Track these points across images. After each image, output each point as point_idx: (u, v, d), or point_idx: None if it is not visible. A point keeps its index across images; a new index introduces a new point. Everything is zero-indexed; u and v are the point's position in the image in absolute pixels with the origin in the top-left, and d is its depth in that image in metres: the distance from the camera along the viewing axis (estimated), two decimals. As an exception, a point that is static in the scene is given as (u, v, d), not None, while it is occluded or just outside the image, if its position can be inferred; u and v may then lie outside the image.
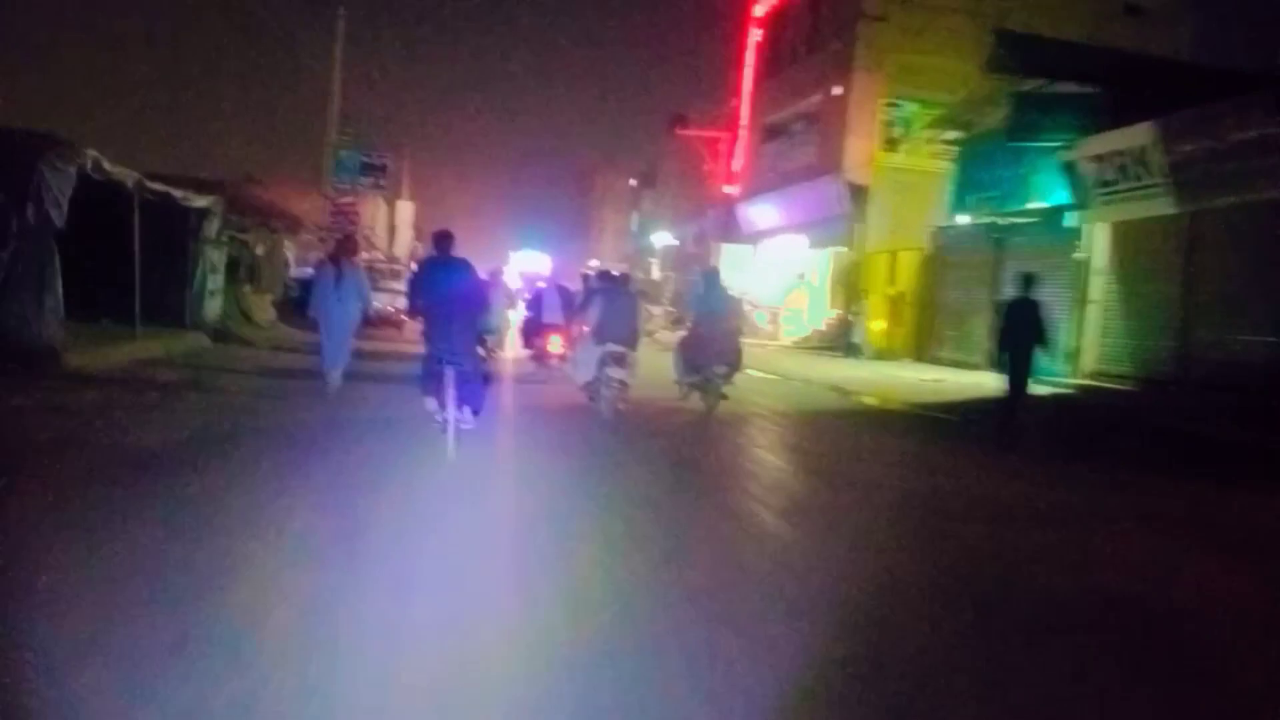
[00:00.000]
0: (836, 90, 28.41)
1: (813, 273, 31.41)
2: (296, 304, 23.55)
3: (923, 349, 23.48)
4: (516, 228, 59.53)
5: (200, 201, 14.85)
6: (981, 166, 22.59)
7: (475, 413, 8.56)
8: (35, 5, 51.74)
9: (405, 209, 53.94)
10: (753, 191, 35.30)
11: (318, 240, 26.08)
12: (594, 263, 38.81)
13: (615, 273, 14.50)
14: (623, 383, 11.11)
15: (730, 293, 13.74)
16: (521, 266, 40.59)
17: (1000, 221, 20.79)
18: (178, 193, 13.97)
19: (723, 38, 46.59)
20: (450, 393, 8.25)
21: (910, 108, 27.84)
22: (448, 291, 8.47)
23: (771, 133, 34.38)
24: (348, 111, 30.14)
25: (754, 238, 35.61)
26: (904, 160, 27.29)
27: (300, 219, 27.49)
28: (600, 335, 11.25)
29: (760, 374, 18.80)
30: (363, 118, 31.81)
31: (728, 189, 38.50)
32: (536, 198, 78.00)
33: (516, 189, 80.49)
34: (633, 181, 65.13)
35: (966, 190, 23.11)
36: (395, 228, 52.35)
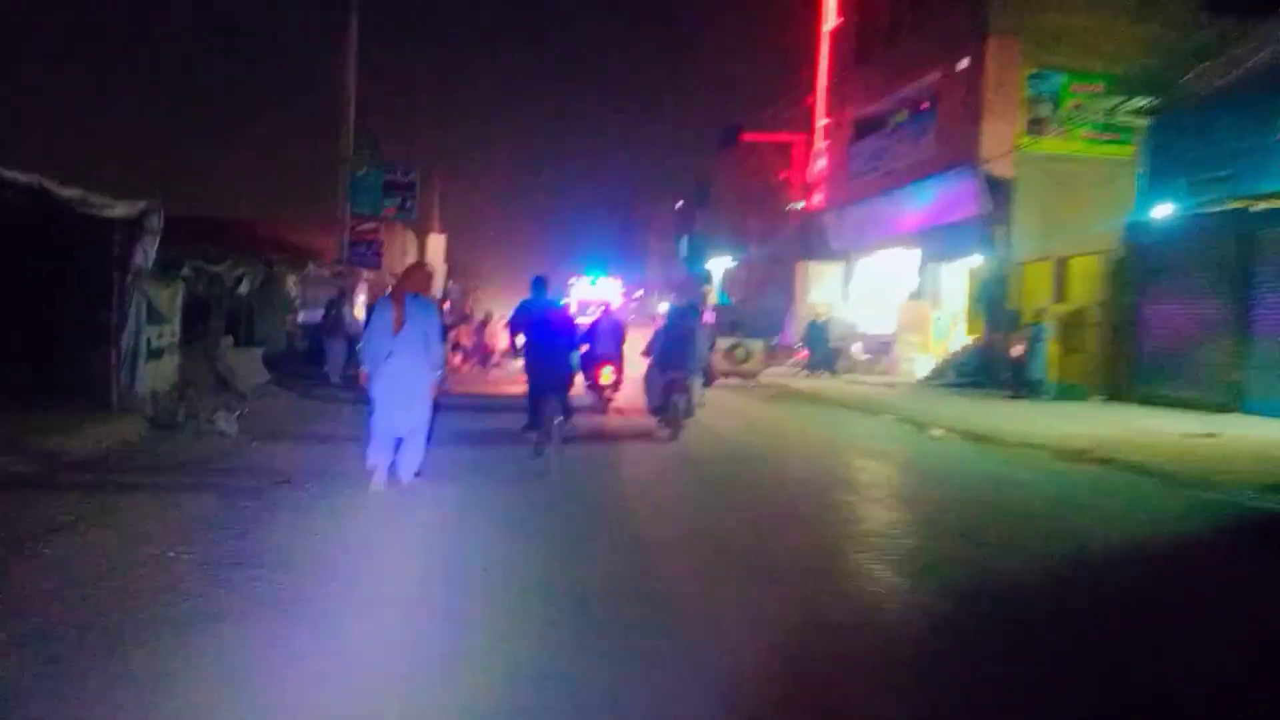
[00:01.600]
0: (963, 64, 22.88)
1: (934, 292, 25.73)
2: (307, 357, 18.28)
3: (1119, 384, 17.70)
4: (563, 256, 53.64)
5: (119, 210, 9.26)
6: (1193, 141, 16.95)
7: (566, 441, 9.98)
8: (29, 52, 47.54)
9: (437, 243, 48.77)
10: (842, 199, 29.72)
11: (331, 274, 20.69)
12: (663, 307, 32.86)
13: (682, 305, 15.78)
14: (683, 408, 11.90)
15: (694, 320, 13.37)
16: (584, 295, 35.62)
17: (1252, 208, 15.12)
18: (72, 193, 8.40)
19: (783, 34, 41.43)
20: (556, 422, 9.66)
21: (1058, 80, 22.23)
22: (551, 331, 10.19)
23: (865, 128, 28.84)
24: (366, 125, 24.87)
25: (846, 253, 30.01)
26: (1056, 145, 21.63)
27: (310, 250, 22.27)
28: (661, 365, 12.42)
29: (926, 428, 13.23)
30: (384, 134, 26.52)
31: (804, 200, 33.04)
32: (574, 226, 72.99)
33: (552, 217, 75.41)
34: (679, 203, 59.89)
35: (1170, 173, 17.44)
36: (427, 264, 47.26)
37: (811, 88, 33.49)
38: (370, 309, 9.66)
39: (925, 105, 25.87)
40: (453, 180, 40.71)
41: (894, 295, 28.23)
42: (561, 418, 9.60)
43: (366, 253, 25.53)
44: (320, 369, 17.45)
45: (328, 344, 17.37)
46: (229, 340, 13.76)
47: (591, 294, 33.89)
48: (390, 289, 8.37)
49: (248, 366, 13.81)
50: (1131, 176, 18.65)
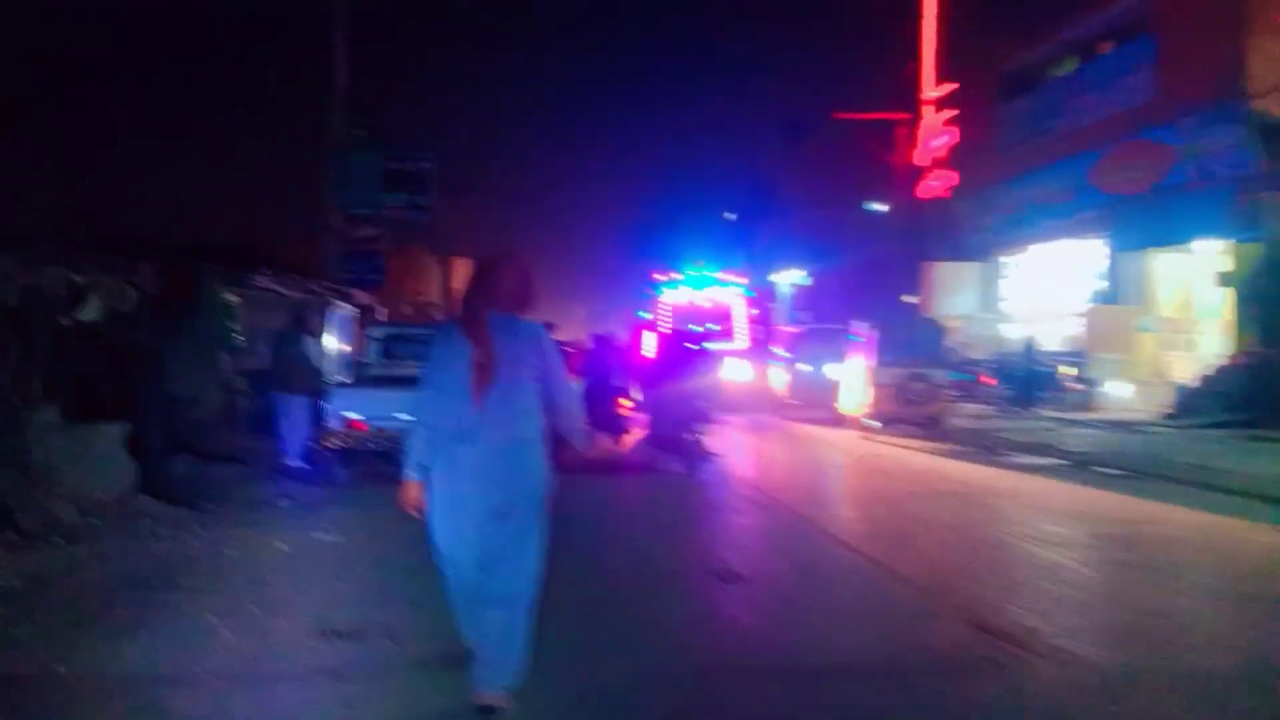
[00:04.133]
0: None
1: (1133, 294, 18.47)
2: (254, 423, 11.39)
3: None
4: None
5: None
6: None
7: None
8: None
9: (463, 268, 41.78)
10: (982, 181, 22.57)
11: (294, 292, 13.61)
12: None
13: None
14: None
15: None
16: (683, 302, 22.57)
17: None
18: None
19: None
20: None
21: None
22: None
23: (1012, 88, 21.79)
24: (361, 103, 17.99)
25: (987, 250, 22.81)
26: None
27: (304, 268, 15.28)
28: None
29: None
30: (385, 115, 19.61)
31: (926, 183, 25.80)
32: (611, 243, 65.42)
33: (585, 233, 67.79)
34: (730, 215, 52.74)
35: None
36: (453, 291, 40.08)
37: (913, 52, 26.39)
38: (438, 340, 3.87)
39: (1102, 49, 18.73)
40: (480, 194, 33.53)
41: (1065, 300, 21.02)
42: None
43: (365, 270, 18.61)
44: (273, 445, 10.51)
45: (283, 403, 10.42)
46: (48, 414, 6.76)
47: (697, 301, 22.62)
48: (460, 305, 3.77)
49: (84, 467, 6.79)
50: None
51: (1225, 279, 16.19)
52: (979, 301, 22.74)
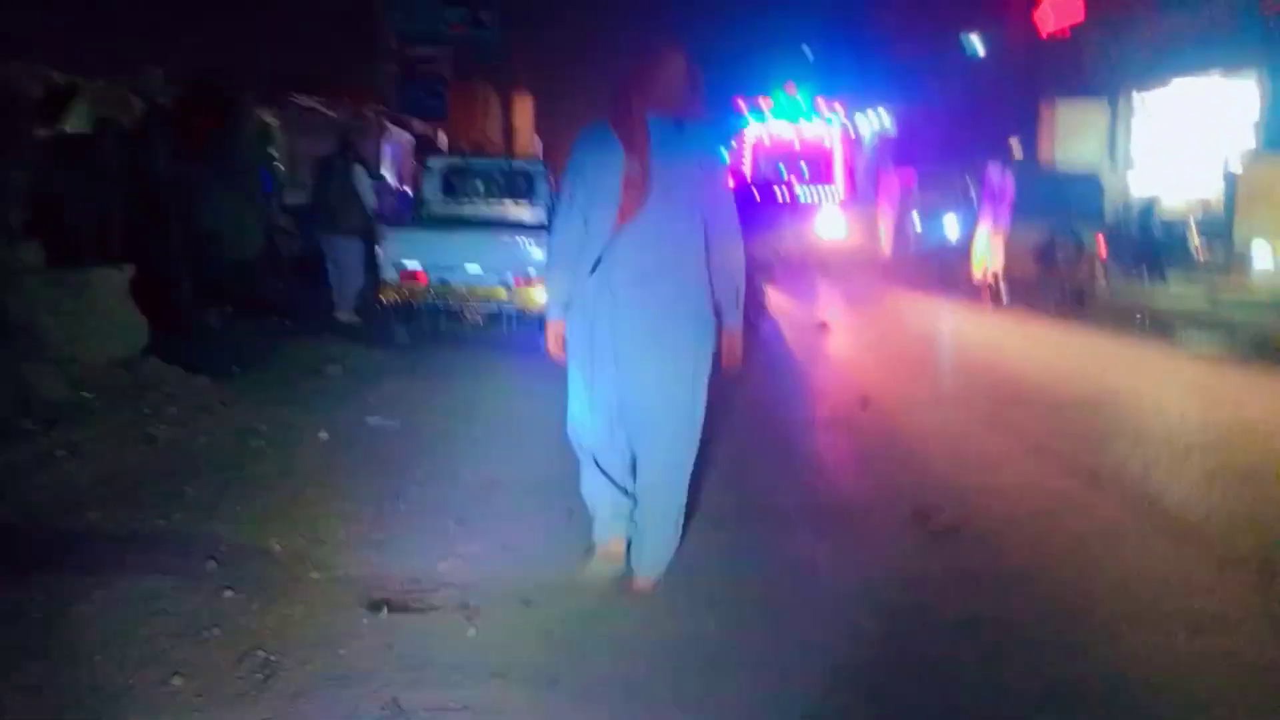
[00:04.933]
0: None
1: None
2: (299, 271, 9.90)
3: None
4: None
5: None
6: None
7: None
8: None
9: (525, 106, 39.08)
10: (1118, 5, 19.49)
11: (341, 117, 11.71)
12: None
13: None
14: None
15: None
16: (765, 136, 18.75)
17: None
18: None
19: None
20: None
21: None
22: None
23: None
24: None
25: (1116, 89, 19.92)
26: None
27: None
28: None
29: None
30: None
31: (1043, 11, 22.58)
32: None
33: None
34: (806, 51, 48.79)
35: None
36: (515, 130, 37.67)
37: None
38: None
39: None
40: (543, 22, 30.44)
41: (1208, 150, 18.39)
42: None
43: (424, 95, 16.61)
44: (321, 296, 9.00)
45: (329, 246, 8.80)
46: (26, 254, 5.16)
47: (787, 137, 18.53)
48: (612, 102, 3.06)
49: (77, 323, 5.22)
50: None
51: None
52: (1106, 148, 20.05)
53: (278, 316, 8.53)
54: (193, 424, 5.05)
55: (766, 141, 18.62)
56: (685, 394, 3.08)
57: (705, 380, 3.13)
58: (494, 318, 8.34)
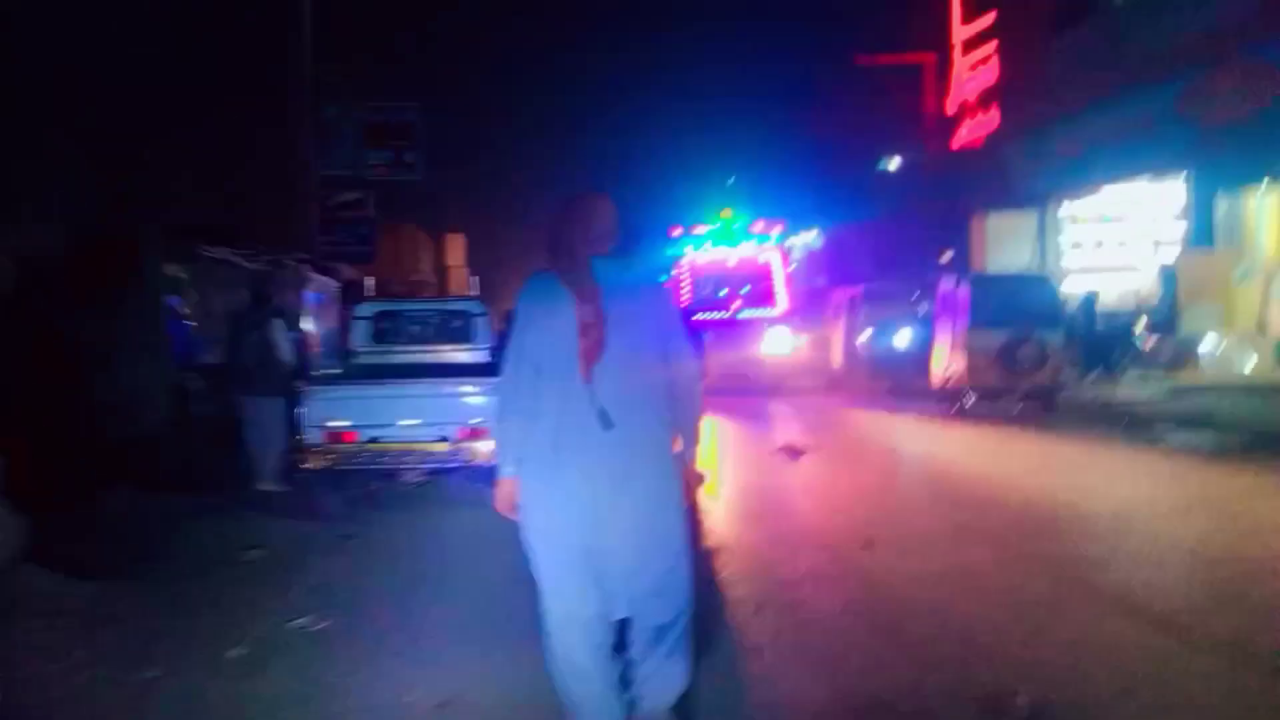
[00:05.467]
0: None
1: (1227, 238, 16.01)
2: (212, 435, 8.89)
3: None
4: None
5: None
6: None
7: None
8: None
9: (456, 245, 38.66)
10: (1035, 121, 19.94)
11: (254, 263, 10.86)
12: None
13: None
14: None
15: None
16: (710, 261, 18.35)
17: None
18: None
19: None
20: None
21: None
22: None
23: (1074, 8, 19.09)
24: (330, 45, 15.22)
25: (1053, 196, 20.13)
26: None
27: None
28: None
29: None
30: (359, 59, 16.67)
31: (961, 132, 23.08)
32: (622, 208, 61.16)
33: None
34: (730, 179, 49.79)
35: None
36: (449, 269, 37.12)
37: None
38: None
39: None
40: (468, 162, 30.27)
41: (1137, 251, 18.62)
42: None
43: (350, 240, 15.95)
44: (240, 464, 7.98)
45: (246, 408, 7.82)
46: None
47: (725, 260, 18.05)
48: (553, 248, 3.02)
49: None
50: None
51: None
52: (1036, 256, 20.17)
53: (189, 493, 7.47)
54: (66, 657, 4.00)
55: (704, 266, 18.13)
56: (669, 532, 2.94)
57: (682, 518, 3.00)
58: (436, 474, 7.42)
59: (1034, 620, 4.30)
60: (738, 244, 18.31)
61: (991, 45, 21.77)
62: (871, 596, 4.82)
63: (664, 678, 2.95)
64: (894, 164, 28.71)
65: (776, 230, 18.64)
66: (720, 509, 7.01)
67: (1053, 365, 11.66)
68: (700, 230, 18.57)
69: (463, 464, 7.14)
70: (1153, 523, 6.16)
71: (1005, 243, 20.68)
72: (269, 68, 13.64)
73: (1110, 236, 19.81)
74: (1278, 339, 15.27)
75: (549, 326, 2.88)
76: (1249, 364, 15.02)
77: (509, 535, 3.05)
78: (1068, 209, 20.17)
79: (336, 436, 7.09)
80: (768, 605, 4.61)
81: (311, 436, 7.04)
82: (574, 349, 2.85)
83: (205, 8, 11.51)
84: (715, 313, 17.70)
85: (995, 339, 11.52)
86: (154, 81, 9.05)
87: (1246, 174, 15.62)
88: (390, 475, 7.38)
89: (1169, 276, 16.88)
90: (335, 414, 7.08)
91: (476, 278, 31.04)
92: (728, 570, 5.32)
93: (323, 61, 14.99)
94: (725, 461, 9.01)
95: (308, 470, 7.13)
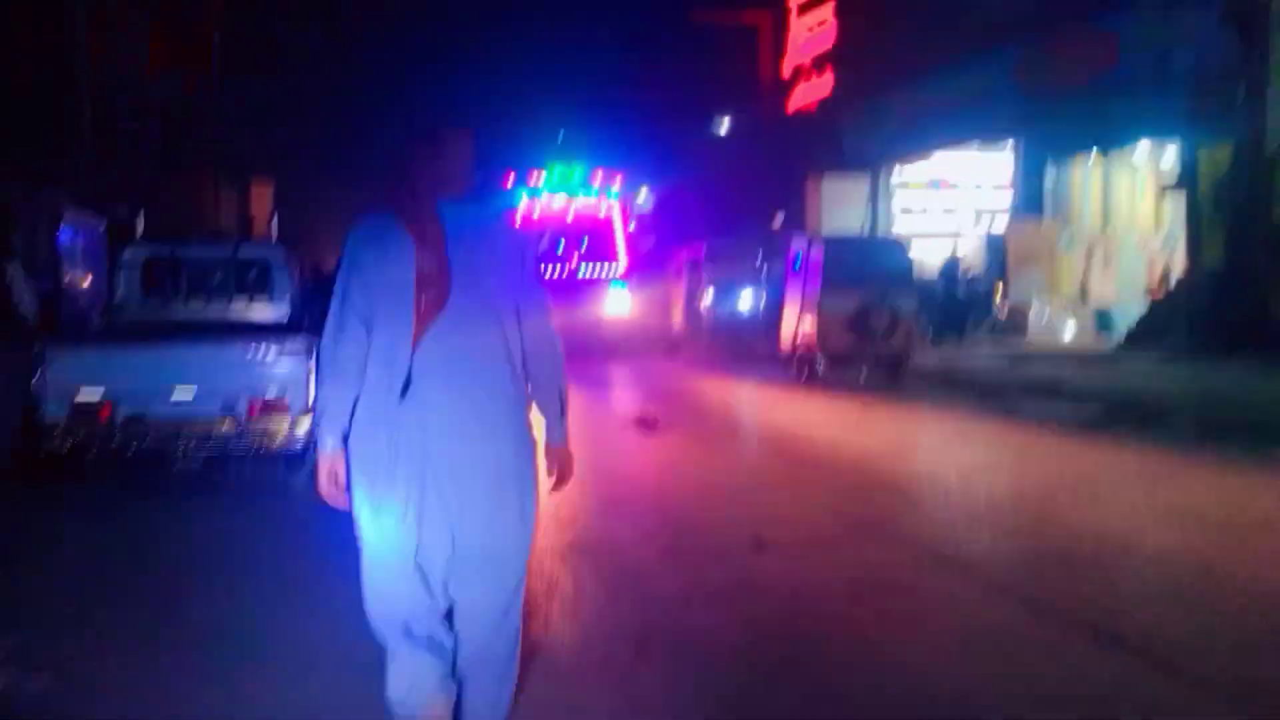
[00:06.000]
0: None
1: (1075, 205, 16.21)
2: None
3: None
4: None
5: None
6: None
7: None
8: None
9: (263, 193, 35.17)
10: (866, 86, 19.68)
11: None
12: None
13: None
14: None
15: None
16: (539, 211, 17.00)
17: None
18: None
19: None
20: None
21: None
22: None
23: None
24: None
25: (875, 162, 20.02)
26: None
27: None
28: None
29: None
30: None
31: (795, 95, 22.63)
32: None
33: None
34: (560, 133, 48.33)
35: None
36: (253, 219, 33.72)
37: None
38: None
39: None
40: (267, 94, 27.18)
41: (964, 217, 18.86)
42: None
43: (129, 170, 13.66)
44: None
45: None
46: None
47: (565, 211, 16.99)
48: (393, 188, 2.62)
49: None
50: None
51: (1180, 186, 14.06)
52: (868, 220, 20.08)
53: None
54: None
55: (538, 217, 16.76)
56: (515, 524, 2.62)
57: (534, 507, 2.66)
58: (217, 460, 5.94)
59: (1014, 657, 3.42)
60: (575, 195, 17.07)
61: (829, 8, 21.42)
62: (785, 624, 3.81)
63: (489, 703, 2.66)
64: (724, 127, 28.32)
65: (616, 182, 17.52)
66: (576, 494, 5.93)
67: (904, 331, 11.19)
68: (535, 179, 17.18)
69: (256, 447, 5.72)
70: (1053, 506, 5.54)
71: (839, 206, 20.52)
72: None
73: (937, 203, 20.02)
74: (1097, 308, 15.66)
75: (381, 277, 2.54)
76: (1069, 332, 15.32)
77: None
78: (899, 174, 20.18)
79: (88, 410, 5.51)
80: (652, 641, 3.54)
81: (53, 411, 5.43)
82: (409, 303, 2.51)
83: None
84: (552, 269, 16.51)
85: (848, 303, 10.92)
86: None
87: (1076, 144, 15.84)
88: (160, 459, 5.84)
89: (995, 244, 17.07)
90: (85, 381, 5.50)
91: (274, 218, 28.20)
92: (595, 588, 4.25)
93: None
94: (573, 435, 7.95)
95: (42, 454, 5.52)
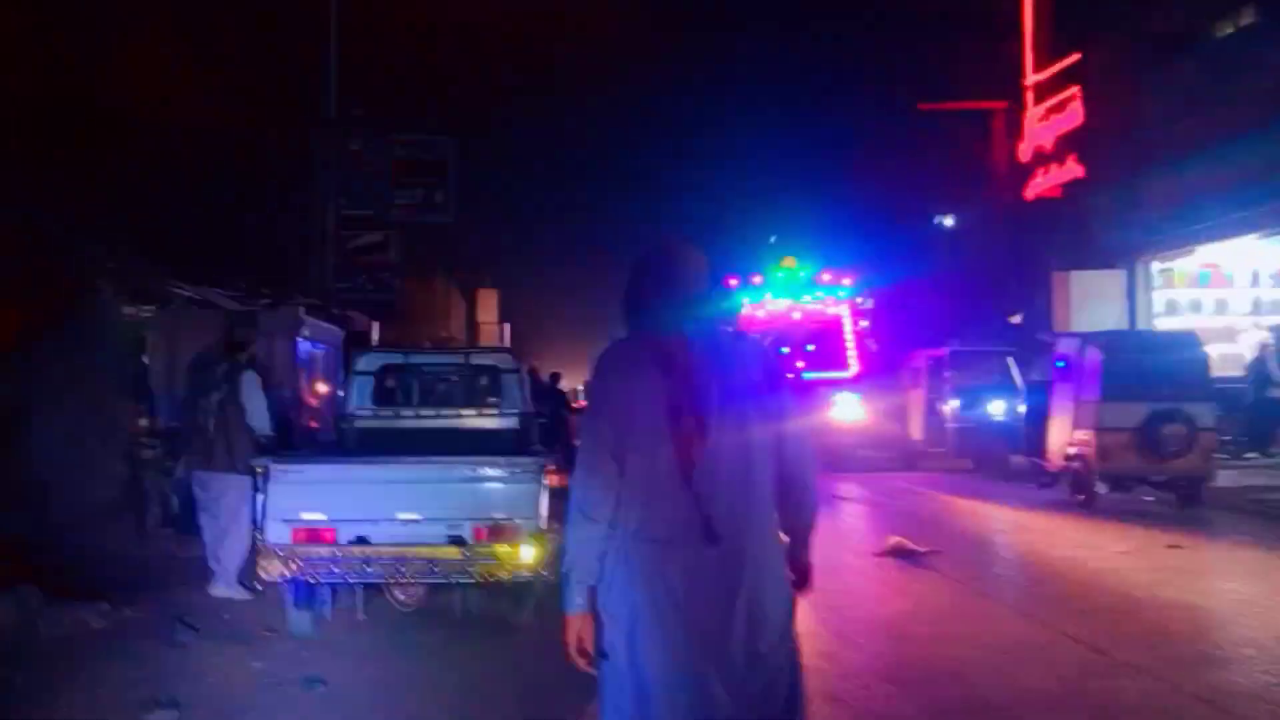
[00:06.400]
0: None
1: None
2: (168, 511, 6.90)
3: None
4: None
5: None
6: None
7: None
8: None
9: (489, 301, 36.85)
10: (1123, 172, 17.91)
11: (241, 309, 8.93)
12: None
13: None
14: None
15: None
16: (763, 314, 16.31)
17: None
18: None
19: None
20: None
21: None
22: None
23: (1169, 47, 17.22)
24: (357, 73, 13.68)
25: (1143, 253, 18.04)
26: None
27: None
28: None
29: None
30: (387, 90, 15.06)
31: (1034, 182, 21.04)
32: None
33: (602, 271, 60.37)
34: (773, 239, 47.89)
35: None
36: (480, 325, 35.27)
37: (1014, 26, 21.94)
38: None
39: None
40: (504, 213, 28.49)
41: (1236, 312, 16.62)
42: None
43: (365, 284, 14.18)
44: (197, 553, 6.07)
45: (203, 487, 5.91)
46: None
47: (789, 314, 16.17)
48: (634, 314, 2.49)
49: None
50: None
51: None
52: (1125, 318, 18.01)
53: (115, 599, 5.51)
54: None
55: (763, 321, 15.99)
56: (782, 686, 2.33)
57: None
58: (441, 590, 5.39)
59: None
60: (801, 297, 16.24)
61: (1073, 88, 19.89)
62: None
63: None
64: (949, 219, 26.96)
65: (847, 282, 16.57)
66: (846, 659, 4.90)
67: (1204, 446, 9.43)
68: (758, 280, 16.52)
69: (483, 577, 5.12)
70: None
71: (1090, 302, 18.55)
72: (291, 83, 12.03)
73: (1208, 297, 17.76)
74: None
75: (629, 412, 2.36)
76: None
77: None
78: (1160, 267, 18.09)
79: (309, 534, 5.11)
80: None
81: (273, 534, 5.06)
82: (665, 437, 2.31)
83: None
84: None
85: (1133, 414, 9.32)
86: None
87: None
88: (381, 590, 5.35)
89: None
90: (306, 504, 5.11)
91: (507, 324, 29.19)
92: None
93: (352, 92, 13.41)
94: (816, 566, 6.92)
95: (263, 581, 5.15)
